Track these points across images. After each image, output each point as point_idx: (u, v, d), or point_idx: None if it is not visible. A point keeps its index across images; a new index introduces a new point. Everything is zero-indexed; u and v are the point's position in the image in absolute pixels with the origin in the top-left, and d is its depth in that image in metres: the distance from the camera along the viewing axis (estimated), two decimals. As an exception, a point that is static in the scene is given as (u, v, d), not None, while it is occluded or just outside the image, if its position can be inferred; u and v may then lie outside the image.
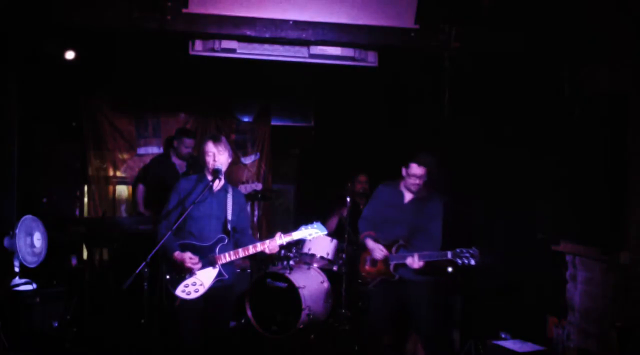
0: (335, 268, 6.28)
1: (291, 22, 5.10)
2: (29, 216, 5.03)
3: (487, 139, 5.63)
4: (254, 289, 5.99)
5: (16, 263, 4.94)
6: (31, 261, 4.98)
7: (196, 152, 6.39)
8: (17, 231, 4.83)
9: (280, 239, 4.22)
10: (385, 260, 4.67)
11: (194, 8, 4.93)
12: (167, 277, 4.25)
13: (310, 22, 5.10)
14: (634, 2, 4.53)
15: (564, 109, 5.17)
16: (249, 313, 5.92)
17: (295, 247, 6.33)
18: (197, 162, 5.98)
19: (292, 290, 5.80)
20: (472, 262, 4.32)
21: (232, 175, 7.59)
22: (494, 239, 5.60)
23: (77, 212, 7.03)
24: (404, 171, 4.73)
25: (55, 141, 6.68)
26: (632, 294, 4.50)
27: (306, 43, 5.27)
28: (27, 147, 5.89)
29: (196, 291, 4.17)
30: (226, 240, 4.26)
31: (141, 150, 7.50)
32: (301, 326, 5.79)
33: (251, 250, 4.21)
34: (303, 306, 5.72)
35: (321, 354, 5.75)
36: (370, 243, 4.77)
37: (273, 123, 7.97)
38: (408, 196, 4.79)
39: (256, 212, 7.77)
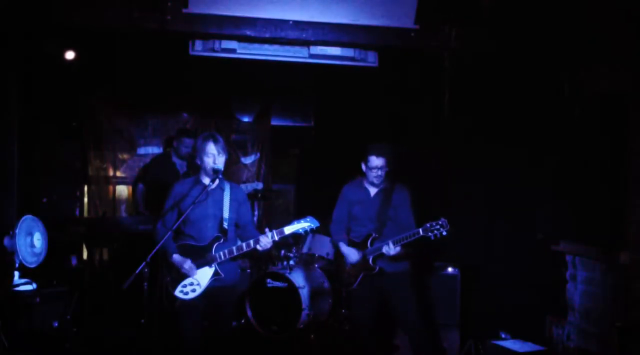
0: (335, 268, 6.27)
1: (291, 22, 5.10)
2: (29, 216, 5.03)
3: (487, 139, 5.63)
4: (254, 288, 5.99)
5: (16, 263, 4.93)
6: (31, 261, 4.97)
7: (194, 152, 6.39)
8: (17, 231, 4.82)
9: (270, 234, 4.13)
10: (363, 256, 4.71)
11: (194, 8, 4.92)
12: (168, 279, 4.26)
13: (310, 22, 5.10)
14: (634, 2, 4.53)
15: (564, 109, 5.17)
16: (249, 313, 5.93)
17: (296, 247, 6.33)
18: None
19: (292, 290, 5.80)
20: (444, 232, 4.34)
21: (232, 175, 7.60)
22: (494, 239, 5.61)
23: (77, 212, 7.01)
24: (363, 166, 4.77)
25: (55, 141, 6.67)
26: (632, 294, 4.49)
27: (306, 43, 5.27)
28: (27, 147, 5.88)
29: (193, 291, 4.17)
30: (222, 239, 4.24)
31: (141, 150, 7.50)
32: (301, 326, 5.80)
33: (244, 248, 4.19)
34: (303, 306, 5.73)
35: (321, 354, 5.75)
36: (343, 248, 4.83)
37: (273, 123, 7.96)
38: (373, 190, 4.83)
39: (256, 212, 7.77)
